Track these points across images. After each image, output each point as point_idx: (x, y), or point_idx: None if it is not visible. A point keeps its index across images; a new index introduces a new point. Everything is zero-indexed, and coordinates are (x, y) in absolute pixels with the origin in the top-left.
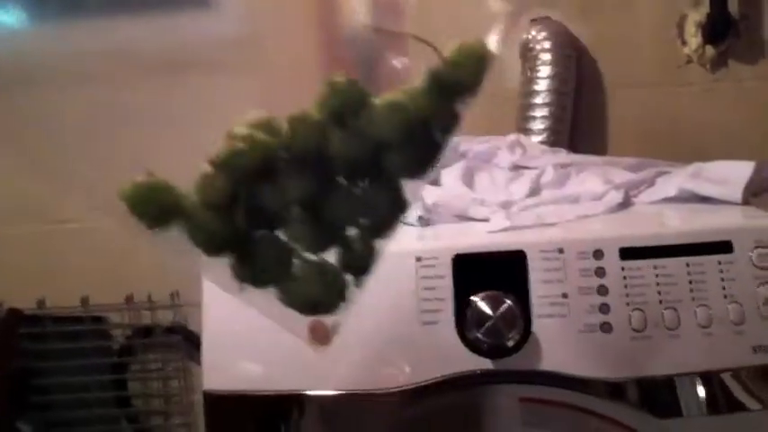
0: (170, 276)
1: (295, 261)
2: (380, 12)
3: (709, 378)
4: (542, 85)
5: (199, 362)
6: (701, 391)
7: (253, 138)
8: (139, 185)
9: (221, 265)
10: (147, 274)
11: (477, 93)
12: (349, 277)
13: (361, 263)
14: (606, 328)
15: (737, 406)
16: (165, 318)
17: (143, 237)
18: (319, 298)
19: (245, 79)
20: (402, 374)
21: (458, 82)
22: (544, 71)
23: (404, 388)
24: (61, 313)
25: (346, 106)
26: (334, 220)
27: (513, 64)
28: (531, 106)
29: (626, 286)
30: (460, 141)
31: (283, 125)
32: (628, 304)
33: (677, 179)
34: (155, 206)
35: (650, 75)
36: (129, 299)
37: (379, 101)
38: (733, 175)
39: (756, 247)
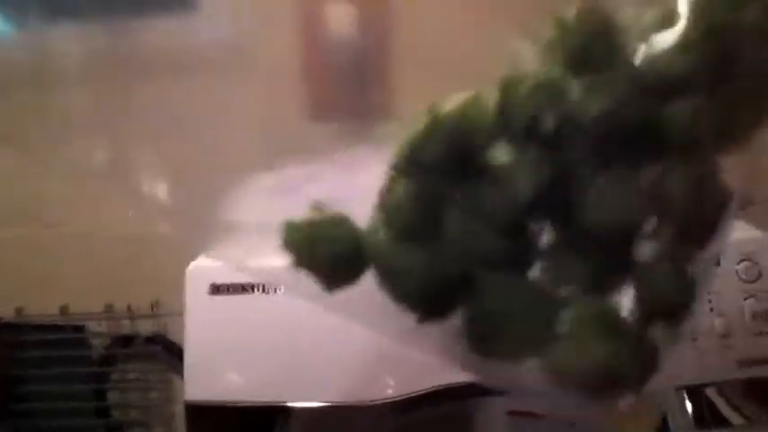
0: (150, 285)
1: (561, 312)
2: (365, 19)
3: (695, 392)
4: None
5: (179, 372)
6: (689, 406)
7: (438, 116)
8: (300, 226)
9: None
10: (128, 282)
11: None
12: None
13: (671, 299)
14: None
15: (722, 421)
16: (146, 327)
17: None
18: (611, 366)
19: (229, 83)
20: (389, 386)
21: None
22: None
23: (391, 400)
24: (41, 321)
25: (592, 45)
26: (608, 230)
27: None
28: None
29: None
30: None
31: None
32: None
33: None
34: (329, 253)
35: None
36: (108, 308)
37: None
38: None
39: (742, 261)
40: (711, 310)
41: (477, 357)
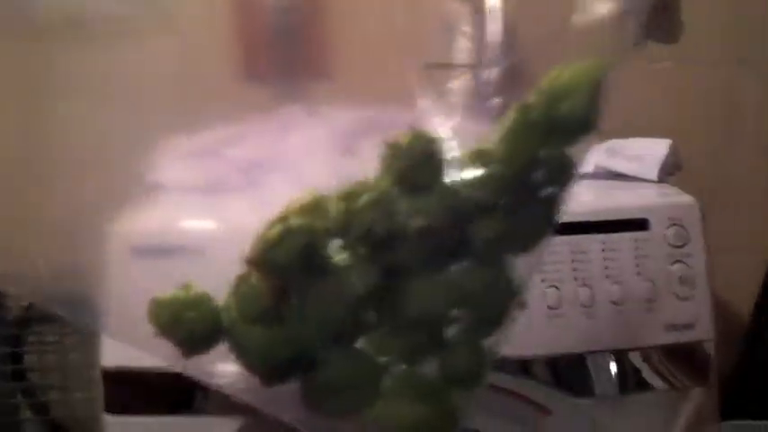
0: (71, 246)
1: (384, 378)
2: None
3: (620, 356)
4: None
5: (98, 334)
6: (613, 370)
7: (290, 225)
8: (165, 304)
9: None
10: (47, 242)
11: (592, 130)
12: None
13: (468, 371)
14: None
15: (645, 385)
16: None
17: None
18: (423, 421)
19: (159, 43)
20: None
21: (564, 119)
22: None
23: None
24: None
25: (417, 167)
26: (422, 316)
27: (434, 33)
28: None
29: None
30: None
31: (333, 205)
32: (543, 281)
33: (594, 156)
34: (188, 331)
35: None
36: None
37: (459, 154)
38: (649, 152)
39: (671, 225)
40: (639, 274)
41: (317, 415)
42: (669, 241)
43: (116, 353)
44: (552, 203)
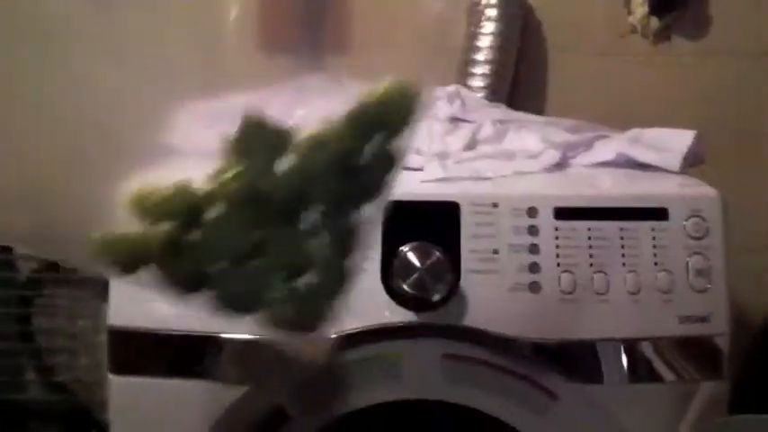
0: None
1: (272, 288)
2: None
3: (632, 346)
4: (485, 41)
5: (107, 301)
6: (624, 359)
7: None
8: (108, 240)
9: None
10: (59, 205)
11: (402, 132)
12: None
13: (332, 285)
14: (535, 287)
15: (656, 376)
16: None
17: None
18: (296, 319)
19: (181, 8)
20: None
21: (381, 120)
22: (488, 27)
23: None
24: None
25: (268, 149)
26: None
27: (458, 18)
28: (472, 62)
29: (558, 246)
30: None
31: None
32: (558, 265)
33: (616, 143)
34: (123, 259)
35: (593, 41)
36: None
37: (303, 136)
38: (672, 142)
39: (691, 217)
40: (655, 264)
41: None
42: (688, 232)
43: (123, 313)
44: (372, 183)
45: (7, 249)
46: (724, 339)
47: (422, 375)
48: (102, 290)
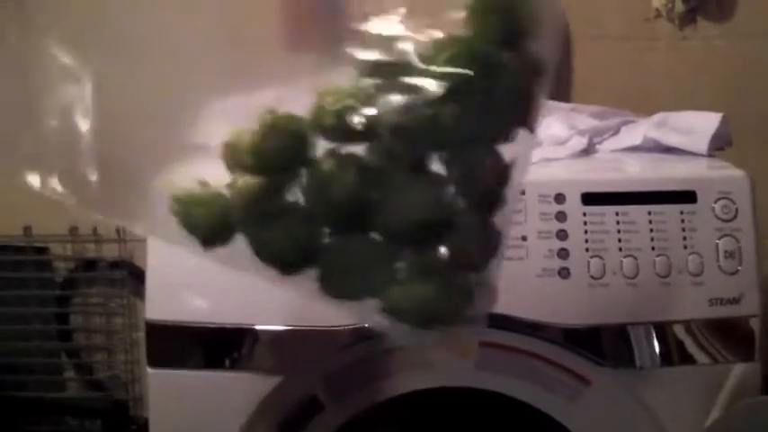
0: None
1: (398, 264)
2: None
3: (663, 329)
4: None
5: (143, 298)
6: (656, 342)
7: (271, 120)
8: (180, 199)
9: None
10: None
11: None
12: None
13: (474, 252)
14: (564, 273)
15: (688, 359)
16: (111, 251)
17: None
18: (437, 303)
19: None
20: None
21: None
22: None
23: (355, 326)
24: (2, 242)
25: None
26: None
27: None
28: None
29: (586, 232)
30: None
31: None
32: (587, 250)
33: (642, 128)
34: (199, 226)
35: (618, 27)
36: (73, 230)
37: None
38: (699, 125)
39: (720, 199)
40: (685, 247)
41: (331, 299)
42: (717, 214)
43: (159, 308)
44: (518, 95)
45: (43, 250)
46: (756, 321)
47: (453, 363)
48: (136, 287)
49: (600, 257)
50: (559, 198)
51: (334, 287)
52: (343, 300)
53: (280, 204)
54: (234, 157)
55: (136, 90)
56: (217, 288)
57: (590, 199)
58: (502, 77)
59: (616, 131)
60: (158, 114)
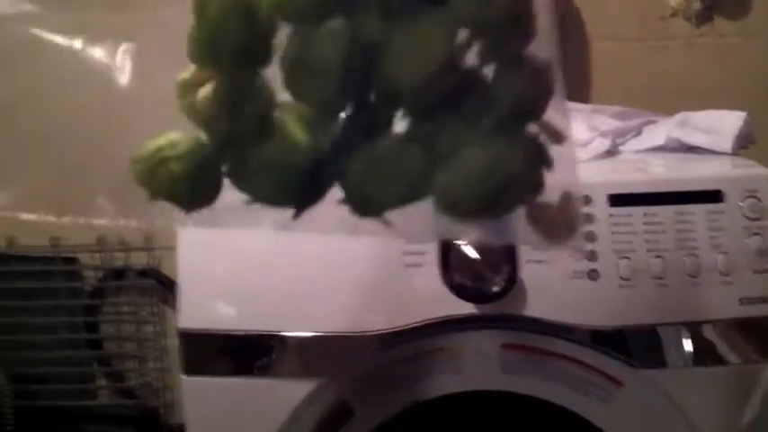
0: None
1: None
2: None
3: (693, 329)
4: None
5: (172, 306)
6: (687, 343)
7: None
8: (137, 160)
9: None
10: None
11: None
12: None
13: (520, 97)
14: (593, 275)
15: (719, 359)
16: (139, 260)
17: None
18: (493, 164)
19: None
20: (383, 317)
21: None
22: None
23: (384, 331)
24: (32, 253)
25: None
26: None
27: None
28: None
29: (614, 233)
30: None
31: None
32: (615, 252)
33: (665, 128)
34: (171, 182)
35: (633, 27)
36: (101, 240)
37: None
38: (723, 124)
39: (747, 197)
40: (713, 247)
41: (366, 217)
42: (745, 213)
43: (192, 316)
44: None
45: (72, 260)
46: None
47: (483, 366)
48: (165, 294)
49: (628, 258)
50: (586, 200)
51: (363, 202)
52: (375, 214)
53: (256, 111)
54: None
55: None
56: (246, 295)
57: (617, 200)
58: None
59: (638, 132)
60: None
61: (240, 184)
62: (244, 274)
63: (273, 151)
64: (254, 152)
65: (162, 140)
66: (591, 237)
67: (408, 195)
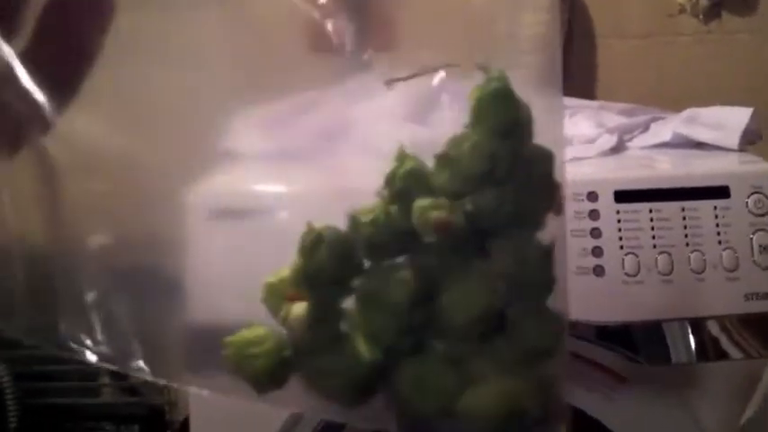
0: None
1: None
2: None
3: (698, 325)
4: None
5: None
6: (691, 338)
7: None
8: (230, 344)
9: None
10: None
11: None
12: None
13: (541, 338)
14: (599, 271)
15: (723, 355)
16: None
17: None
18: (514, 397)
19: (229, 13)
20: None
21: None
22: None
23: None
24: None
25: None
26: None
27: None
28: None
29: (620, 229)
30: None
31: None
32: (621, 248)
33: (672, 124)
34: (254, 368)
35: (641, 23)
36: None
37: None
38: (729, 120)
39: (753, 193)
40: (719, 243)
41: (407, 420)
42: (750, 209)
43: (198, 310)
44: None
45: None
46: None
47: None
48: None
49: (634, 254)
50: (592, 196)
51: (408, 409)
52: (420, 416)
53: (336, 329)
54: (277, 291)
55: (165, 96)
56: (252, 292)
57: (623, 196)
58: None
59: (645, 128)
60: (187, 122)
61: (308, 382)
62: (251, 270)
63: (340, 361)
64: (324, 359)
65: (251, 335)
66: (597, 233)
67: (443, 410)
